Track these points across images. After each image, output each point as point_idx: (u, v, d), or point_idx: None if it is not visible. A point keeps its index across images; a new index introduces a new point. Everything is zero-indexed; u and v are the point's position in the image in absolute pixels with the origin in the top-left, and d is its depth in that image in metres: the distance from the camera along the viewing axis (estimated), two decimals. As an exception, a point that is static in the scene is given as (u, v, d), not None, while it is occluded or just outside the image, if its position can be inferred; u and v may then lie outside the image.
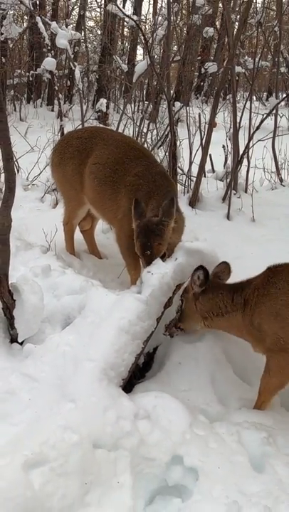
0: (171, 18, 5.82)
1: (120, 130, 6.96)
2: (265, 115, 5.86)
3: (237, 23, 6.26)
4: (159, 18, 7.72)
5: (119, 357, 2.69)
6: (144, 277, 3.08)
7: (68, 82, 15.09)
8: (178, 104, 6.44)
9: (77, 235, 4.47)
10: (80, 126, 6.68)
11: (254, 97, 14.27)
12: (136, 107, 8.80)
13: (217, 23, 15.49)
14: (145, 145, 6.43)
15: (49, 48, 7.06)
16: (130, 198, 3.69)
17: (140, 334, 2.84)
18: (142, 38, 5.69)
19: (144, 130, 6.63)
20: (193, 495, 2.24)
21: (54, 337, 2.89)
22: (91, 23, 22.45)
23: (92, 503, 2.16)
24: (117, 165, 3.86)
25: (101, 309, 2.97)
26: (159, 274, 3.04)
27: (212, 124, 5.29)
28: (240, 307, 2.80)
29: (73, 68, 6.65)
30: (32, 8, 7.29)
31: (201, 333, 3.10)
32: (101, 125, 10.65)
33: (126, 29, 19.90)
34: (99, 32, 19.53)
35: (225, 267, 3.07)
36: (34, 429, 2.29)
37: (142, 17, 16.75)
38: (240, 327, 2.82)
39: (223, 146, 6.52)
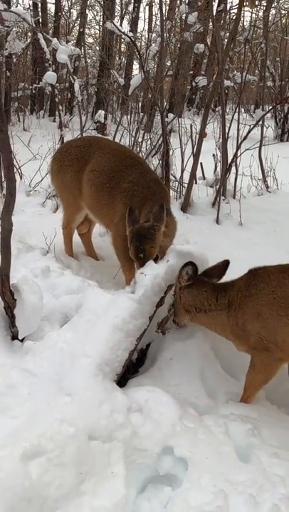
0: (165, 35, 5.80)
1: (117, 140, 6.94)
2: (252, 126, 5.84)
3: (226, 40, 6.25)
4: (153, 35, 7.70)
5: (114, 353, 2.68)
6: (138, 278, 3.06)
7: (69, 95, 15.06)
8: (171, 115, 6.40)
9: (76, 238, 4.44)
10: (80, 136, 6.65)
11: (242, 109, 14.32)
12: (132, 118, 8.78)
13: (208, 40, 15.48)
14: (140, 154, 6.41)
15: (50, 62, 7.02)
16: (126, 203, 3.68)
17: (133, 332, 2.82)
18: (137, 53, 5.66)
19: (140, 140, 6.60)
20: (182, 484, 2.22)
21: (52, 334, 2.86)
22: (90, 40, 22.47)
23: (87, 491, 2.14)
24: (113, 172, 3.84)
25: (97, 308, 2.94)
26: (152, 275, 3.03)
27: (202, 135, 5.27)
28: (225, 307, 2.77)
29: (73, 82, 6.60)
30: (34, 26, 7.25)
31: (191, 331, 3.08)
32: (99, 135, 10.63)
33: (123, 45, 19.90)
34: (98, 48, 19.52)
35: (221, 266, 3.02)
36: (33, 421, 2.26)
37: (138, 34, 16.75)
38: (225, 326, 2.79)
39: (213, 155, 6.50)
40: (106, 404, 2.40)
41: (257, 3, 4.34)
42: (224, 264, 3.02)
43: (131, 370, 3.04)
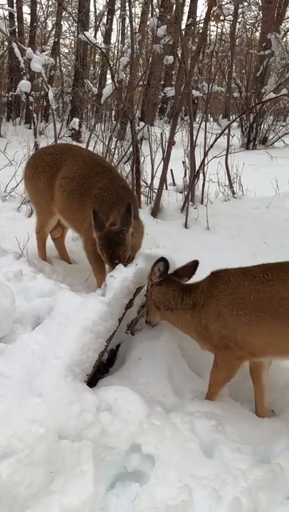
0: (135, 46, 5.80)
1: (91, 147, 6.91)
2: (218, 135, 5.89)
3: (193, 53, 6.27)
4: (125, 46, 7.68)
5: (84, 354, 2.65)
6: (108, 281, 3.05)
7: (44, 103, 14.93)
8: (142, 123, 6.41)
9: (49, 242, 4.40)
10: (54, 143, 6.58)
11: (211, 119, 14.47)
12: (105, 126, 8.75)
13: (178, 52, 15.58)
14: (113, 161, 6.38)
15: (24, 71, 6.95)
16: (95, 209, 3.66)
17: (103, 333, 2.80)
18: (108, 64, 5.65)
19: (112, 147, 6.58)
20: (149, 479, 2.22)
21: (24, 337, 2.82)
22: (66, 50, 22.31)
23: (56, 490, 2.12)
24: (83, 179, 3.82)
25: (68, 311, 2.91)
26: (121, 278, 3.02)
27: (171, 143, 5.30)
28: (190, 307, 2.79)
29: (47, 90, 6.55)
30: (8, 35, 7.16)
31: (159, 331, 3.08)
32: (74, 142, 10.54)
33: (97, 55, 19.85)
34: (73, 57, 19.39)
35: (191, 266, 3.03)
36: (3, 422, 2.22)
37: (111, 45, 16.74)
38: (190, 325, 2.82)
39: (183, 162, 6.53)
40: (76, 404, 2.38)
41: (221, 17, 4.40)
42: (193, 265, 3.04)
43: (101, 370, 3.02)
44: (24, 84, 6.33)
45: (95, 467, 2.23)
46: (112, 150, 6.53)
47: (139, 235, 3.55)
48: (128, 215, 3.26)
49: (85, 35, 5.32)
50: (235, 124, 13.93)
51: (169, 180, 6.87)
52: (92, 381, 2.80)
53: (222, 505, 2.03)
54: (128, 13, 5.99)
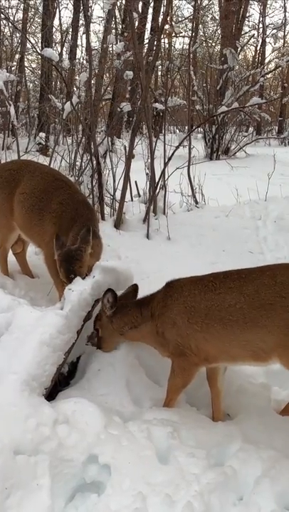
0: (94, 63, 5.85)
1: (58, 161, 6.91)
2: (176, 147, 5.98)
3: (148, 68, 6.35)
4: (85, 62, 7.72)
5: (41, 368, 2.64)
6: (65, 294, 3.05)
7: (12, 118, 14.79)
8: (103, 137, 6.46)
9: (11, 257, 4.37)
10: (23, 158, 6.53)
11: (177, 130, 14.65)
12: (72, 140, 8.74)
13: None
14: (78, 174, 6.38)
15: (-15, 88, 6.89)
16: (55, 223, 3.68)
17: (61, 346, 2.79)
18: (64, 82, 5.67)
19: (78, 160, 6.58)
20: (106, 489, 2.22)
21: (-18, 354, 2.79)
22: (34, 65, 22.25)
23: (12, 506, 2.09)
24: (42, 194, 3.82)
25: (26, 325, 2.89)
26: (78, 290, 3.02)
27: (130, 156, 5.36)
28: (149, 319, 2.84)
29: (8, 107, 6.53)
30: None
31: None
32: (41, 156, 10.48)
33: (63, 71, 19.82)
34: (39, 72, 19.33)
35: (133, 289, 3.11)
36: None
37: (77, 60, 16.77)
38: (150, 336, 2.86)
39: (147, 174, 6.57)
40: (32, 419, 2.36)
41: (173, 34, 4.49)
42: (134, 289, 3.11)
43: (62, 382, 3.00)
44: (-16, 101, 6.29)
45: (52, 480, 2.22)
46: (78, 163, 6.53)
47: (97, 255, 3.57)
48: (87, 234, 3.30)
49: (41, 55, 5.33)
50: (199, 136, 14.17)
51: (134, 191, 6.91)
52: (54, 394, 2.78)
53: (175, 510, 2.04)
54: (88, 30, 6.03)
